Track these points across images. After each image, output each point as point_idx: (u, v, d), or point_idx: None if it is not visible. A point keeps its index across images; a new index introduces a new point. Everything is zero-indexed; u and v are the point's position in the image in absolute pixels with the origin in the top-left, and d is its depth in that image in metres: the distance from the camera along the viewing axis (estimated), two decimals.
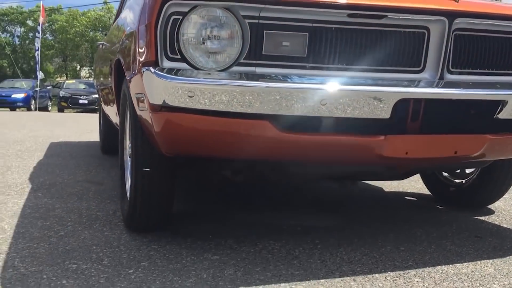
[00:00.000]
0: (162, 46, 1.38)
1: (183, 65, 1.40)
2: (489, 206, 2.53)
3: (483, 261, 1.72)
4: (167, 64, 1.39)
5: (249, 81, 1.35)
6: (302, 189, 2.99)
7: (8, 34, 39.59)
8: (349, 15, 1.46)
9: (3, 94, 18.14)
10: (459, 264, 1.67)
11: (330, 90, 1.39)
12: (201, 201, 2.65)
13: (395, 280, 1.53)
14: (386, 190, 3.01)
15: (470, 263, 1.69)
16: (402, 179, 2.51)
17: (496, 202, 2.54)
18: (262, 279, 1.51)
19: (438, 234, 2.02)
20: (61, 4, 42.13)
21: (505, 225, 2.20)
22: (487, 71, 1.63)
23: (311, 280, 1.51)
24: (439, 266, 1.65)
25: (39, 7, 19.96)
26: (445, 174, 2.60)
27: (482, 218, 2.32)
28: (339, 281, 1.50)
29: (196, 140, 1.49)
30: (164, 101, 1.36)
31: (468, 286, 1.49)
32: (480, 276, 1.57)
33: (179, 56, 1.39)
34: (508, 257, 1.76)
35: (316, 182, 2.99)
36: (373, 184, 3.12)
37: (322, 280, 1.51)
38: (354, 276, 1.54)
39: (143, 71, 1.41)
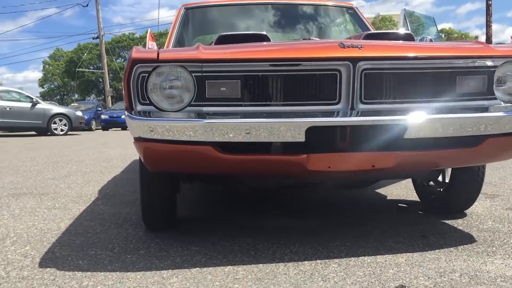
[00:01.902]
0: (135, 95, 1.96)
1: (151, 108, 1.97)
2: (467, 211, 2.80)
3: (402, 254, 2.08)
4: (139, 108, 1.97)
5: (187, 119, 1.89)
6: (296, 197, 3.43)
7: (122, 59, 43.23)
8: (271, 65, 1.95)
9: (115, 115, 20.10)
10: (380, 256, 2.06)
11: (253, 122, 1.88)
12: (206, 207, 3.21)
13: (316, 266, 1.96)
14: (388, 198, 3.36)
15: (390, 255, 2.07)
16: (355, 188, 2.87)
17: (476, 207, 2.82)
18: (218, 263, 2.02)
19: (391, 234, 2.39)
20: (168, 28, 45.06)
21: (460, 227, 2.50)
22: (393, 100, 2.02)
23: (251, 265, 1.99)
24: (364, 257, 2.05)
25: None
26: (431, 182, 2.92)
27: (448, 221, 2.62)
28: (273, 266, 1.97)
29: (164, 160, 2.05)
30: (136, 134, 1.95)
31: (369, 272, 1.89)
32: (386, 264, 1.96)
33: (148, 102, 1.97)
34: (428, 251, 2.11)
35: (312, 191, 3.42)
36: (370, 192, 3.48)
37: (260, 265, 1.99)
38: (288, 262, 2.00)
39: (125, 113, 2.01)
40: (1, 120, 13.79)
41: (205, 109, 1.96)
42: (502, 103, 2.09)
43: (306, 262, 2.02)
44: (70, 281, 1.87)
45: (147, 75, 1.94)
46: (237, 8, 3.78)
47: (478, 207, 2.93)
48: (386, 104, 2.01)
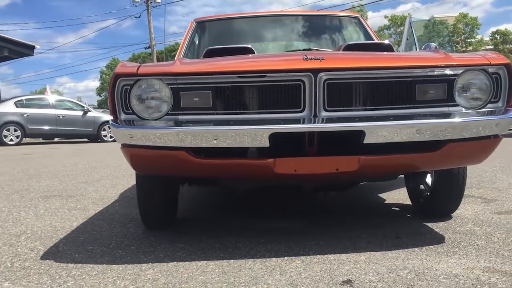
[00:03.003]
0: (120, 105, 2.20)
1: (134, 117, 2.20)
2: (454, 214, 2.88)
3: (366, 252, 2.21)
4: (123, 116, 2.21)
5: (161, 126, 2.10)
6: (291, 200, 3.58)
7: None
8: (238, 77, 2.14)
9: None
10: (344, 254, 2.20)
11: (220, 129, 2.07)
12: (206, 209, 3.41)
13: (282, 262, 2.12)
14: (385, 202, 3.46)
15: (354, 253, 2.20)
16: (332, 191, 3.04)
17: (465, 211, 2.89)
18: (195, 258, 2.22)
19: (367, 235, 2.52)
20: None
21: (437, 229, 2.59)
22: (354, 108, 2.16)
23: (223, 260, 2.18)
24: (329, 255, 2.20)
25: None
26: (421, 186, 3.01)
27: (429, 224, 2.71)
28: (242, 261, 2.15)
29: (145, 164, 2.28)
30: (120, 140, 2.19)
31: (326, 268, 2.03)
32: (346, 261, 2.09)
33: (131, 111, 2.20)
34: (391, 251, 2.22)
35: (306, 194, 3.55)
36: (369, 196, 3.58)
37: (232, 260, 2.18)
38: (258, 258, 2.17)
39: (110, 121, 2.25)
40: (55, 127, 14.62)
41: (180, 117, 2.17)
42: (463, 109, 2.18)
43: (274, 258, 2.18)
44: (61, 271, 2.12)
45: (129, 87, 2.17)
46: (245, 20, 3.99)
47: (467, 211, 2.99)
48: (348, 112, 2.16)
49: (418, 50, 3.71)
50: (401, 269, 1.97)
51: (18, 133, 14.06)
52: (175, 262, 2.18)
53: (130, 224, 3.00)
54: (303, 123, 2.12)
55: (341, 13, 4.03)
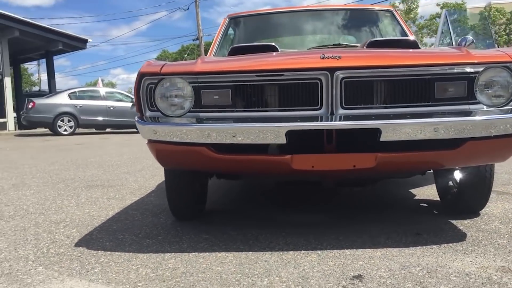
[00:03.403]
0: (145, 103, 2.31)
1: (158, 113, 2.31)
2: (482, 212, 2.84)
3: (383, 248, 2.23)
4: (148, 113, 2.32)
5: (183, 123, 2.20)
6: (318, 194, 3.60)
7: None
8: (257, 76, 2.20)
9: None
10: (361, 249, 2.23)
11: (238, 127, 2.15)
12: (234, 201, 3.50)
13: (298, 255, 2.18)
14: (415, 197, 3.44)
15: (371, 249, 2.23)
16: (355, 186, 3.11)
17: (495, 208, 2.85)
18: (216, 249, 2.32)
19: (388, 230, 2.53)
20: None
21: (461, 227, 2.57)
22: (371, 106, 2.17)
23: (242, 252, 2.26)
24: (346, 249, 2.24)
25: None
26: (450, 183, 2.98)
27: (454, 220, 2.69)
28: (260, 253, 2.22)
29: (170, 159, 2.39)
30: (145, 136, 2.30)
31: (340, 263, 2.08)
32: (361, 256, 2.13)
33: (155, 108, 2.31)
34: (409, 247, 2.24)
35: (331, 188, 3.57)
36: (400, 191, 3.57)
37: (250, 252, 2.26)
38: (276, 251, 2.24)
39: (136, 118, 2.36)
40: (106, 118, 15.17)
41: (201, 114, 2.26)
42: (484, 107, 2.16)
43: (291, 252, 2.25)
44: (91, 258, 2.27)
45: (153, 86, 2.28)
46: (277, 16, 4.03)
47: (497, 208, 2.95)
48: (365, 109, 2.18)
49: (454, 43, 3.64)
50: (414, 266, 1.99)
51: (72, 123, 14.68)
52: (196, 253, 2.28)
53: (162, 214, 3.13)
54: (320, 120, 2.16)
55: (374, 7, 3.99)
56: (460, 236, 2.41)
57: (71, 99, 14.99)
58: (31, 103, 14.82)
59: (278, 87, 2.21)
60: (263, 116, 2.22)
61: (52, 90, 18.47)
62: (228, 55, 2.73)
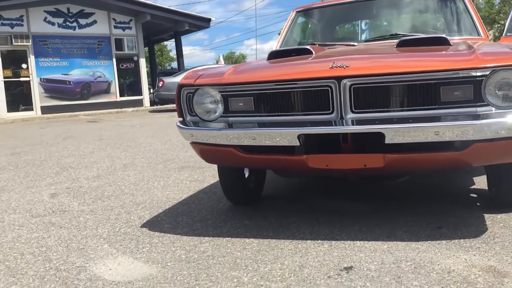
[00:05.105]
0: (185, 109, 2.71)
1: (196, 118, 2.70)
2: None
3: (391, 241, 2.41)
4: (189, 118, 2.72)
5: (211, 128, 2.56)
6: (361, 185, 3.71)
7: None
8: (275, 85, 2.47)
9: None
10: (372, 242, 2.43)
11: (256, 131, 2.45)
12: (286, 191, 3.77)
13: (312, 244, 2.45)
14: (472, 186, 3.45)
15: (380, 241, 2.42)
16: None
17: None
18: (248, 235, 2.67)
19: (413, 223, 2.67)
20: None
21: (488, 222, 2.60)
22: (379, 109, 2.32)
23: (268, 239, 2.59)
24: (357, 241, 2.45)
25: None
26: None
27: (488, 215, 2.72)
28: (281, 241, 2.53)
29: (208, 157, 2.77)
30: (185, 138, 2.71)
31: (343, 254, 2.31)
32: (366, 249, 2.33)
33: (194, 114, 2.70)
34: (414, 242, 2.38)
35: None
36: (452, 181, 3.57)
37: (274, 240, 2.57)
38: (296, 240, 2.53)
39: (177, 123, 2.77)
40: None
41: (230, 119, 2.60)
42: (493, 109, 2.21)
43: (309, 241, 2.52)
44: (146, 238, 2.76)
45: (191, 95, 2.66)
46: (342, 7, 4.14)
47: None
48: (373, 113, 2.34)
49: None
50: (407, 260, 2.16)
51: None
52: (229, 238, 2.66)
53: (224, 199, 3.54)
54: (330, 125, 2.38)
55: None
56: (479, 232, 2.47)
57: None
58: (161, 82, 16.22)
59: (294, 94, 2.46)
60: (281, 121, 2.50)
61: (181, 68, 19.91)
62: (267, 59, 3.01)
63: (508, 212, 2.76)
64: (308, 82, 2.41)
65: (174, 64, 39.34)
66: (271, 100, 2.51)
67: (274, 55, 2.99)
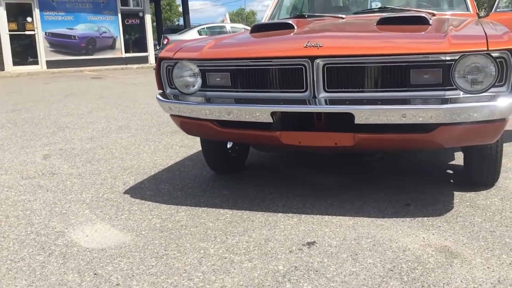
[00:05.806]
0: (165, 81, 2.76)
1: (176, 91, 2.75)
2: (496, 186, 2.89)
3: (358, 217, 2.49)
4: (168, 90, 2.77)
5: (188, 102, 2.61)
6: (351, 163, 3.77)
7: None
8: (251, 61, 2.51)
9: None
10: (339, 217, 2.51)
11: (231, 107, 2.51)
12: (273, 159, 3.85)
13: (282, 217, 2.54)
14: (451, 162, 3.51)
15: (347, 217, 2.50)
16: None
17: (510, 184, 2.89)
18: (223, 206, 2.76)
19: (383, 199, 2.75)
20: None
21: (456, 200, 2.67)
22: (351, 90, 2.36)
23: (242, 210, 2.68)
24: (325, 216, 2.53)
25: None
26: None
27: (459, 192, 2.79)
28: (254, 213, 2.62)
29: (187, 129, 2.84)
30: (165, 110, 2.77)
31: (309, 229, 2.41)
32: (332, 224, 2.42)
33: (174, 86, 2.75)
34: (380, 218, 2.46)
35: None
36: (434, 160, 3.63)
37: (247, 211, 2.67)
38: (269, 212, 2.62)
39: (157, 95, 2.82)
40: None
41: (208, 93, 2.65)
42: (461, 93, 2.24)
43: (280, 214, 2.61)
44: (126, 205, 2.87)
45: (171, 67, 2.71)
46: None
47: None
48: (344, 93, 2.39)
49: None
50: (368, 237, 2.25)
51: None
52: (205, 208, 2.76)
53: (208, 168, 3.62)
54: (303, 103, 2.43)
55: None
56: (444, 211, 2.55)
57: (200, 34, 16.02)
58: (166, 39, 16.14)
59: (269, 71, 2.50)
60: (256, 97, 2.54)
61: (187, 25, 19.72)
62: (250, 32, 3.03)
63: (478, 190, 2.83)
64: (283, 60, 2.44)
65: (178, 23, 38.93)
66: (247, 76, 2.55)
67: (257, 29, 3.01)
